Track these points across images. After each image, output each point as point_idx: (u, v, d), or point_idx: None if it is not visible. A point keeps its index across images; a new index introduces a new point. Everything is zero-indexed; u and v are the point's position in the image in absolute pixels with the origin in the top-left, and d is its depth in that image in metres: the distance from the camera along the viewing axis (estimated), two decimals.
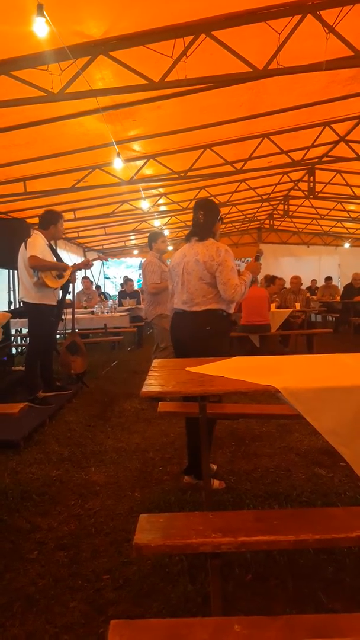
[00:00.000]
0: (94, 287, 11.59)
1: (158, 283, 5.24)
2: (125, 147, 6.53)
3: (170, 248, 7.71)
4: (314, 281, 14.85)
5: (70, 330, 5.98)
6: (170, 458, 3.61)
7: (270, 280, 9.25)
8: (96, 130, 5.68)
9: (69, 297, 5.80)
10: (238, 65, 4.13)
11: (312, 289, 13.75)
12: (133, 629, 1.37)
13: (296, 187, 10.90)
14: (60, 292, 5.16)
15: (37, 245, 4.68)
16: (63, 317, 5.93)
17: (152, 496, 2.96)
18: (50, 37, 3.41)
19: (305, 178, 9.77)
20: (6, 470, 3.43)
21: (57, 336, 6.24)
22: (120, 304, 10.11)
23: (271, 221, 14.41)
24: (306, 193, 9.99)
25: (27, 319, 5.42)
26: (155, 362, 2.63)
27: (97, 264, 14.83)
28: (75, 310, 6.21)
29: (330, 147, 8.20)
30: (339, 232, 15.51)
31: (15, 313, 6.93)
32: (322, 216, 13.47)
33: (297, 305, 8.60)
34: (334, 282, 13.67)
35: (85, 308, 8.92)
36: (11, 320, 6.28)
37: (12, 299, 9.16)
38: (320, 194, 10.44)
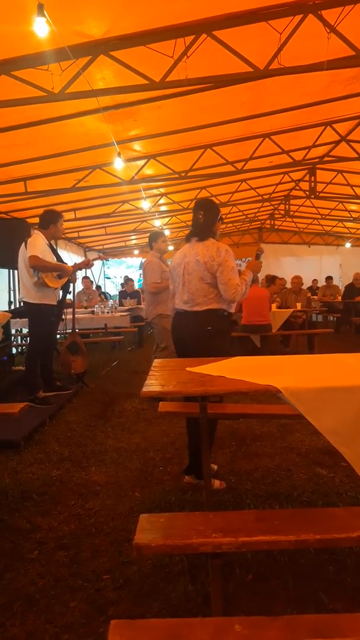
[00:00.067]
0: (94, 287, 11.60)
1: (158, 283, 5.24)
2: (125, 147, 6.52)
3: (170, 248, 7.71)
4: (315, 281, 14.84)
5: (70, 330, 5.98)
6: (170, 458, 3.61)
7: (271, 280, 9.24)
8: (97, 130, 5.68)
9: (70, 297, 5.81)
10: (239, 65, 4.12)
11: (313, 289, 13.74)
12: (133, 629, 1.37)
13: (297, 187, 10.90)
14: (61, 292, 5.16)
15: (37, 245, 4.68)
16: (63, 317, 5.93)
17: (152, 496, 2.95)
18: (51, 37, 3.41)
19: (307, 178, 9.77)
20: (6, 470, 3.43)
21: (58, 336, 6.24)
22: (121, 304, 10.11)
23: (272, 221, 14.40)
24: (307, 193, 9.99)
25: (27, 319, 5.42)
26: (156, 362, 2.63)
27: (97, 264, 14.85)
28: (76, 310, 6.21)
29: (332, 146, 8.19)
30: (340, 232, 15.50)
31: (15, 313, 6.93)
32: (324, 216, 13.47)
33: (298, 305, 8.59)
34: (336, 282, 13.66)
35: (86, 308, 8.92)
36: (11, 320, 6.28)
37: (12, 299, 9.16)
38: (321, 194, 10.44)
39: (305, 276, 10.93)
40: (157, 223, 12.76)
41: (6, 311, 7.17)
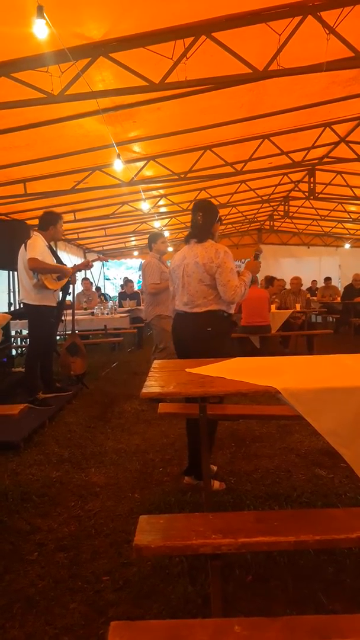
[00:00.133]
0: (94, 289, 11.60)
1: (157, 283, 5.24)
2: (125, 149, 6.53)
3: (170, 249, 7.71)
4: (314, 282, 14.85)
5: (70, 332, 5.98)
6: (170, 459, 3.61)
7: (270, 281, 9.25)
8: (96, 131, 5.68)
9: (69, 298, 5.81)
10: (238, 67, 4.13)
11: (312, 290, 13.75)
12: (133, 630, 1.37)
13: (296, 188, 10.91)
14: (60, 294, 5.16)
15: (36, 246, 4.68)
16: (63, 318, 5.93)
17: (152, 497, 2.95)
18: (50, 39, 3.41)
19: (306, 179, 9.78)
20: (6, 471, 3.43)
21: (57, 337, 6.24)
22: (121, 305, 10.12)
23: (271, 222, 14.42)
24: (306, 194, 9.99)
25: (27, 321, 5.42)
26: (156, 363, 2.63)
27: (97, 265, 14.86)
28: (75, 311, 6.21)
29: (331, 148, 8.20)
30: (339, 233, 15.51)
31: (15, 314, 6.93)
32: (323, 217, 13.47)
33: (298, 306, 8.60)
34: (335, 283, 13.66)
35: (85, 309, 8.92)
36: (11, 321, 6.28)
37: (12, 301, 9.17)
38: (320, 195, 10.44)
39: (305, 277, 10.93)
40: (157, 224, 12.77)
41: (6, 313, 7.17)
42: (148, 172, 7.82)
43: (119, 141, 6.01)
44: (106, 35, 3.80)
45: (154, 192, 9.51)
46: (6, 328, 5.89)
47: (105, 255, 14.88)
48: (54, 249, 5.24)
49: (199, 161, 7.38)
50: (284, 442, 3.93)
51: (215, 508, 2.64)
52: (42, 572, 2.25)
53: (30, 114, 4.85)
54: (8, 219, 8.43)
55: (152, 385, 2.03)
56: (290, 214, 12.77)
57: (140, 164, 7.33)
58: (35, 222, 5.42)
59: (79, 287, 9.29)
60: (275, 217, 14.00)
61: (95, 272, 15.65)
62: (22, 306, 5.50)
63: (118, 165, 6.31)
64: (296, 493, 2.96)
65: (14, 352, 7.45)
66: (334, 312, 12.13)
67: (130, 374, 6.94)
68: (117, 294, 12.28)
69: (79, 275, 10.15)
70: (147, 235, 6.94)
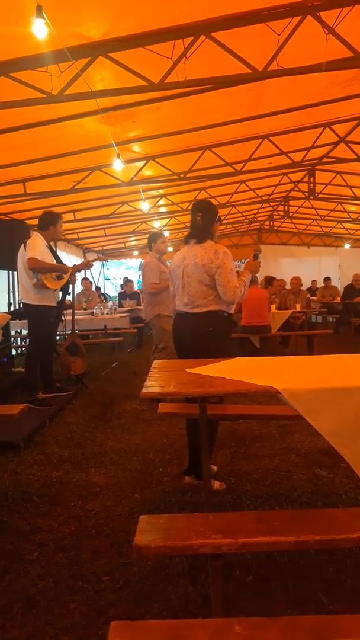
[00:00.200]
0: (93, 288, 11.60)
1: (157, 283, 5.24)
2: (125, 149, 6.53)
3: (170, 249, 7.71)
4: (314, 282, 14.84)
5: (70, 332, 5.98)
6: (170, 459, 3.61)
7: (269, 281, 9.26)
8: (96, 131, 5.68)
9: (69, 298, 5.81)
10: (238, 67, 4.12)
11: (312, 290, 13.75)
12: (133, 630, 1.37)
13: (296, 188, 10.90)
14: (60, 294, 5.16)
15: (36, 246, 4.68)
16: (63, 318, 5.93)
17: (152, 497, 2.95)
18: (50, 39, 3.41)
19: (305, 179, 9.77)
20: (6, 471, 3.43)
21: (57, 337, 6.24)
22: (120, 305, 10.12)
23: (271, 222, 14.41)
24: (306, 194, 9.99)
25: (26, 321, 5.42)
26: (156, 363, 2.63)
27: (96, 265, 14.85)
28: (75, 311, 6.21)
29: (330, 148, 8.19)
30: (339, 233, 15.51)
31: (15, 314, 6.93)
32: (322, 217, 13.47)
33: (298, 306, 8.60)
34: (334, 283, 13.66)
35: (85, 309, 8.92)
36: (11, 321, 6.28)
37: (12, 301, 9.16)
38: (320, 195, 10.44)
39: (305, 277, 10.94)
40: (157, 224, 12.77)
41: (6, 313, 7.17)
42: (148, 172, 7.81)
43: (119, 141, 6.01)
44: (105, 35, 3.80)
45: (154, 192, 9.50)
46: (6, 328, 5.89)
47: (105, 255, 14.86)
48: (54, 248, 5.24)
49: (198, 161, 7.38)
50: (284, 442, 3.93)
51: (216, 508, 2.64)
52: (43, 572, 2.25)
53: (30, 113, 4.85)
54: (7, 218, 8.43)
55: (152, 385, 2.03)
56: (290, 214, 12.77)
57: (140, 163, 7.33)
58: (35, 222, 5.41)
59: (78, 287, 9.30)
60: (275, 217, 14.00)
61: (95, 272, 15.64)
62: (21, 306, 5.49)
63: (118, 165, 6.30)
64: (296, 493, 2.96)
65: (14, 352, 7.45)
66: (334, 312, 12.14)
67: (130, 373, 6.94)
68: (117, 294, 12.28)
69: (79, 275, 10.17)
70: (147, 235, 6.94)
